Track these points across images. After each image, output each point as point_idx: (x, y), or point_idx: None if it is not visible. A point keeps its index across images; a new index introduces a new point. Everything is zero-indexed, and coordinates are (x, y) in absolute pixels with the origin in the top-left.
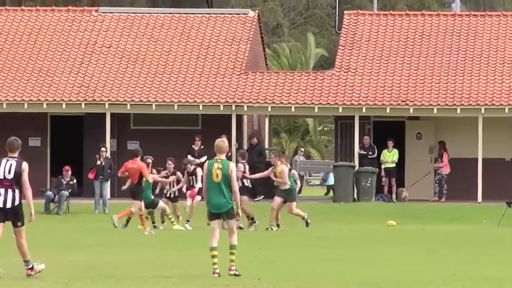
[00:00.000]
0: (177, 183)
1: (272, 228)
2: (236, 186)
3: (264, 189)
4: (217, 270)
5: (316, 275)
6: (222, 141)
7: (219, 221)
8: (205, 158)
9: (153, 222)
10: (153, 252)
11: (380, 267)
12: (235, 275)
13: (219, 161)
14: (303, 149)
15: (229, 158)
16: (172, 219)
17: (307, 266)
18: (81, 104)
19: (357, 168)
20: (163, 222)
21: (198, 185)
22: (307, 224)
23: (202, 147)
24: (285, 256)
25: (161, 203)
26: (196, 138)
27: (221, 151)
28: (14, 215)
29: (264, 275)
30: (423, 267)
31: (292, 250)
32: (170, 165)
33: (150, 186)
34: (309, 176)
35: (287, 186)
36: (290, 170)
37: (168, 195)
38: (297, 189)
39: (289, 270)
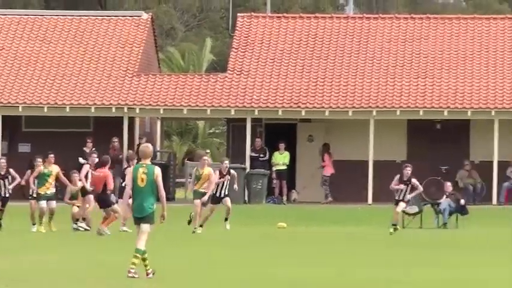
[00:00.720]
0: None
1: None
2: (163, 190)
3: None
4: (150, 271)
5: (202, 277)
6: (146, 147)
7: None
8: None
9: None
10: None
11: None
12: (133, 277)
13: (144, 165)
14: (208, 151)
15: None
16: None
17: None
18: None
19: (248, 170)
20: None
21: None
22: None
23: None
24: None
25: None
26: (88, 140)
27: (145, 156)
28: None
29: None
30: (302, 269)
31: (173, 248)
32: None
33: None
34: None
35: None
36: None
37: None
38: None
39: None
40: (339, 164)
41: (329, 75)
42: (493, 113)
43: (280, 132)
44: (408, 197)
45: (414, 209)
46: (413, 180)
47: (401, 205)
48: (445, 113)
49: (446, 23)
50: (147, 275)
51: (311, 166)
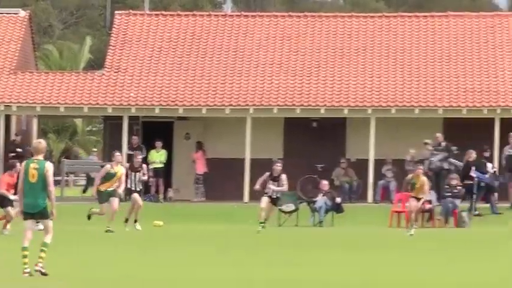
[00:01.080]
0: None
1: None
2: (52, 186)
3: None
4: (27, 270)
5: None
6: (38, 142)
7: (33, 222)
8: None
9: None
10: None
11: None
12: (40, 272)
13: (35, 161)
14: (95, 149)
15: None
16: None
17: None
18: None
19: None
20: None
21: None
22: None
23: None
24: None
25: None
26: None
27: (38, 152)
28: None
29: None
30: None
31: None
32: None
33: None
34: (75, 177)
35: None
36: None
37: None
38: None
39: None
40: (216, 162)
41: (207, 73)
42: (369, 111)
43: (157, 130)
44: (273, 187)
45: (290, 207)
46: (283, 177)
47: (264, 200)
48: (322, 111)
49: (324, 20)
50: (23, 271)
51: (188, 164)
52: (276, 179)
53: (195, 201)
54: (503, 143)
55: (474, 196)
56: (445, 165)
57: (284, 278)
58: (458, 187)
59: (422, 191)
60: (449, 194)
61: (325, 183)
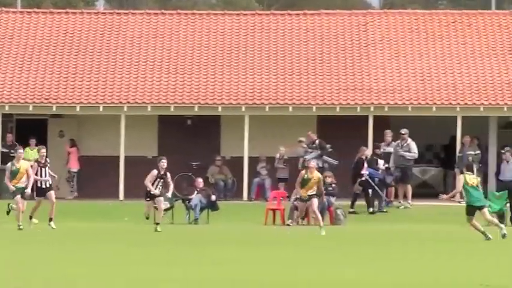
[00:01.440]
0: None
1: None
2: None
3: None
4: None
5: None
6: None
7: None
8: None
9: None
10: None
11: None
12: None
13: None
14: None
15: None
16: None
17: None
18: None
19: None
20: None
21: None
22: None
23: None
24: None
25: None
26: None
27: None
28: None
29: None
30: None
31: None
32: None
33: None
34: None
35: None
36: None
37: None
38: None
39: None
40: (90, 159)
41: (80, 71)
42: (243, 109)
43: (31, 128)
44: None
45: (166, 204)
46: (168, 174)
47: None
48: (196, 109)
49: (197, 18)
50: None
51: (62, 162)
52: (162, 177)
53: (70, 198)
54: (377, 140)
55: (370, 192)
56: (319, 163)
57: (164, 278)
58: (333, 184)
59: (315, 187)
60: (324, 191)
61: (200, 181)
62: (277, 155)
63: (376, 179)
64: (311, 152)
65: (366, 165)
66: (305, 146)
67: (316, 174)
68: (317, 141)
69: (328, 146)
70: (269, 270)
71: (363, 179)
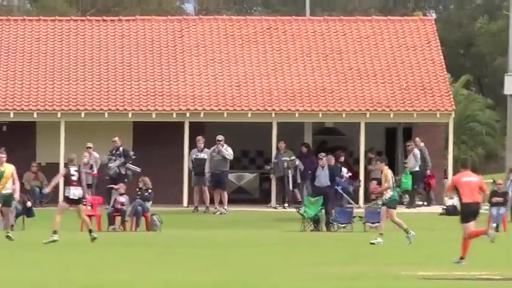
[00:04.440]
0: None
1: None
2: None
3: None
4: None
5: None
6: None
7: None
8: None
9: None
10: None
11: None
12: None
13: None
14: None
15: None
16: None
17: None
18: None
19: None
20: None
21: None
22: None
23: None
24: None
25: None
26: None
27: None
28: None
29: None
30: None
31: None
32: None
33: None
34: None
35: None
36: None
37: None
38: None
39: None
40: None
41: None
42: (59, 115)
43: None
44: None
45: None
46: None
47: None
48: (11, 115)
49: (11, 24)
50: None
51: None
52: None
53: None
54: (193, 146)
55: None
56: (122, 171)
57: None
58: (149, 190)
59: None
60: (139, 197)
61: None
62: (84, 161)
63: (339, 188)
64: (115, 160)
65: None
66: (90, 152)
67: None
68: (121, 149)
69: (131, 153)
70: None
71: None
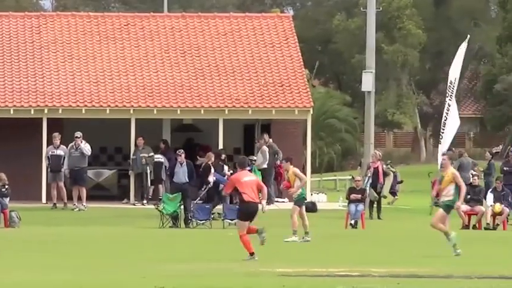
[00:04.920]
0: None
1: None
2: None
3: None
4: None
5: None
6: None
7: None
8: None
9: None
10: None
11: None
12: None
13: None
14: None
15: None
16: None
17: None
18: None
19: None
20: None
21: None
22: None
23: None
24: None
25: None
26: None
27: None
28: None
29: None
30: None
31: None
32: None
33: None
34: None
35: None
36: None
37: None
38: None
39: None
40: None
41: None
42: None
43: None
44: None
45: None
46: None
47: None
48: None
49: None
50: None
51: None
52: None
53: None
54: (51, 143)
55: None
56: None
57: None
58: (6, 186)
59: None
60: None
61: None
62: None
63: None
64: None
65: (212, 171)
66: None
67: None
68: None
69: None
70: None
71: (210, 185)
